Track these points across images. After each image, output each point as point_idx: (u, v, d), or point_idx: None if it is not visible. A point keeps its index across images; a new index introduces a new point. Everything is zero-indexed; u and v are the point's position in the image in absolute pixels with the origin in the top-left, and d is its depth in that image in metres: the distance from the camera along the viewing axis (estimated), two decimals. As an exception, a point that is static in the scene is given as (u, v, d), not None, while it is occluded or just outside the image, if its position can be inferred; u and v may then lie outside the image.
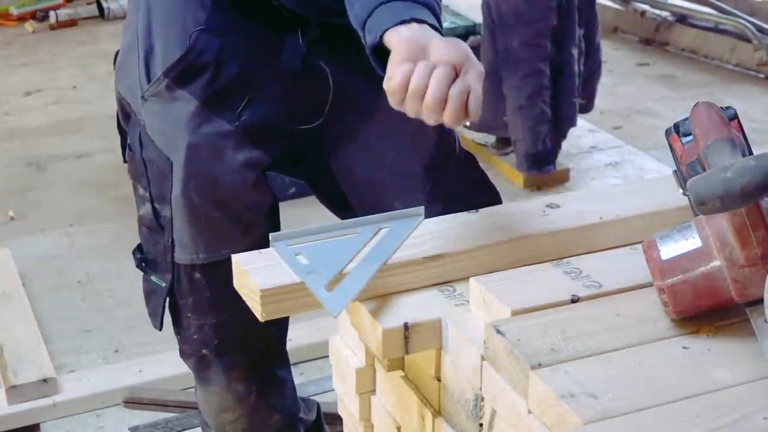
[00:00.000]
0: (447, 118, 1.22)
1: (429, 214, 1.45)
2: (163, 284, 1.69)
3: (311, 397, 2.15)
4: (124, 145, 1.71)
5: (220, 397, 1.78)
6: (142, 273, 1.77)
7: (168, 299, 1.71)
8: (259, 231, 1.63)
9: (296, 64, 1.60)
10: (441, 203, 1.63)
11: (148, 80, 1.59)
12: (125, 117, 1.69)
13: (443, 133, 1.71)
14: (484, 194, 1.76)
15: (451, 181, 1.73)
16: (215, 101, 1.58)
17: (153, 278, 1.72)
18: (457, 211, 1.49)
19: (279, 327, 1.78)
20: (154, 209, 1.67)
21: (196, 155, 1.58)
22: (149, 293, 1.75)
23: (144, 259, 1.75)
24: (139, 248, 1.76)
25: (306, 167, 1.74)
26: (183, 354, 1.80)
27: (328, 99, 1.63)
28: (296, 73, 1.61)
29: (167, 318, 1.75)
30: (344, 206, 1.75)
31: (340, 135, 1.68)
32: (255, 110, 1.59)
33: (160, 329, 1.74)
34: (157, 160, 1.62)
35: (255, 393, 1.78)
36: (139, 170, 1.67)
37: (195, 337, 1.72)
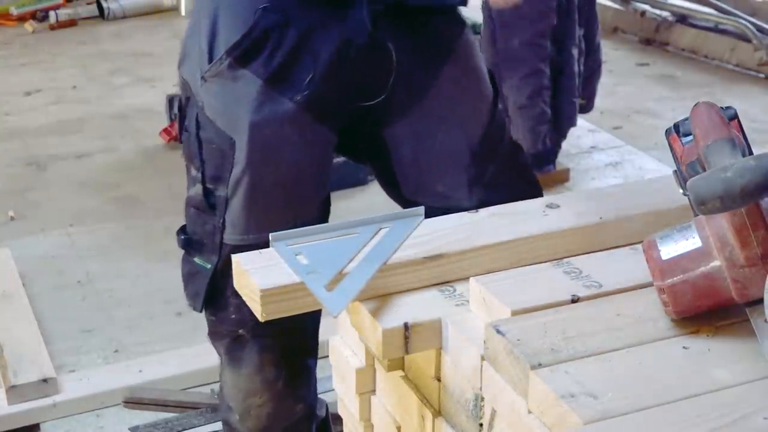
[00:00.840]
0: None
1: (470, 200, 1.50)
2: (208, 266, 1.70)
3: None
4: (181, 126, 1.74)
5: (250, 380, 1.78)
6: (183, 254, 1.78)
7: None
8: (311, 215, 1.66)
9: (361, 40, 1.61)
10: (482, 189, 1.66)
11: (210, 61, 1.61)
12: (186, 99, 1.71)
13: (494, 120, 1.74)
14: (524, 184, 1.77)
15: (496, 169, 1.74)
16: (278, 79, 1.59)
17: (196, 259, 1.73)
18: (498, 199, 1.53)
19: (314, 317, 1.79)
20: (205, 189, 1.67)
21: (260, 134, 1.60)
22: (190, 275, 1.76)
23: (188, 240, 1.75)
24: (182, 229, 1.77)
25: (359, 145, 1.76)
26: (215, 335, 1.79)
27: (390, 77, 1.64)
28: (360, 50, 1.61)
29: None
30: (393, 184, 1.77)
31: (394, 113, 1.69)
32: (318, 88, 1.60)
33: (201, 311, 1.75)
34: (216, 140, 1.64)
35: (283, 379, 1.78)
36: (193, 151, 1.69)
37: (233, 317, 1.72)
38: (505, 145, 1.79)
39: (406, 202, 1.74)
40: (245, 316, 1.68)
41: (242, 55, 1.59)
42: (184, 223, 1.76)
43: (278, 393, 1.80)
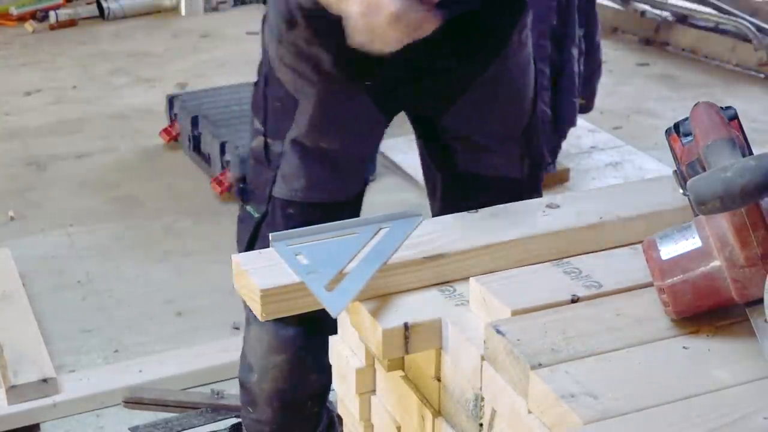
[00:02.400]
0: None
1: (521, 171, 1.76)
2: (256, 215, 1.80)
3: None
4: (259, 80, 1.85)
5: (273, 336, 1.85)
6: (239, 203, 1.89)
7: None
8: (353, 191, 1.79)
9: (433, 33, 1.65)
10: (529, 161, 1.82)
11: (289, 28, 1.68)
12: (264, 54, 1.80)
13: (536, 96, 1.83)
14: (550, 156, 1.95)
15: (538, 143, 1.87)
16: (349, 59, 1.62)
17: (248, 207, 1.84)
18: (539, 171, 1.78)
19: None
20: (265, 143, 1.77)
21: (325, 104, 1.69)
22: (241, 221, 1.87)
23: (244, 189, 1.87)
24: (242, 178, 1.89)
25: (414, 123, 1.86)
26: None
27: (454, 63, 1.70)
28: (428, 39, 1.60)
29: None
30: (446, 157, 1.83)
31: (455, 91, 1.74)
32: (385, 73, 1.66)
33: (242, 251, 1.80)
34: (283, 98, 1.73)
35: (302, 342, 1.85)
36: (259, 105, 1.81)
37: None
38: (540, 120, 1.92)
39: (454, 176, 1.83)
40: None
41: (320, 29, 1.64)
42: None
43: (296, 355, 1.86)
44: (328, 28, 1.60)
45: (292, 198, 1.74)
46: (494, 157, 1.79)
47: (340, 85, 1.68)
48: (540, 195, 1.83)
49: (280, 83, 1.73)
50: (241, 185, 1.89)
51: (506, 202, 1.60)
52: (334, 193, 1.76)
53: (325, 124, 1.72)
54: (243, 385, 1.95)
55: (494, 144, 1.79)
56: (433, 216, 1.83)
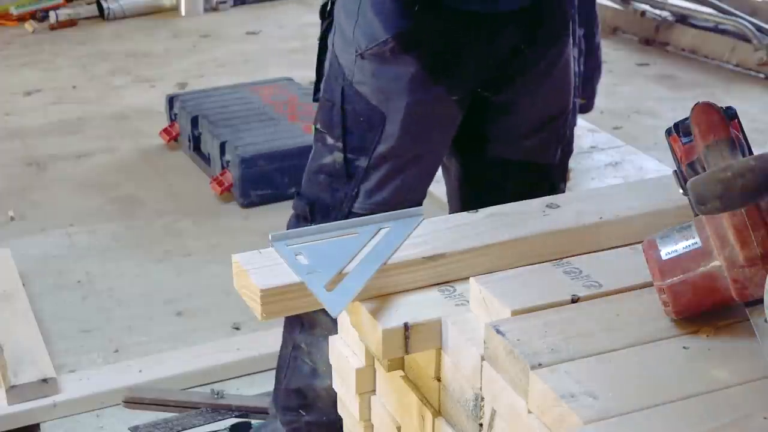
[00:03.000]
0: None
1: (555, 157, 1.85)
2: None
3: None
4: (316, 89, 1.88)
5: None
6: (292, 216, 1.89)
7: None
8: (426, 191, 1.84)
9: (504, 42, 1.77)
10: (561, 149, 1.91)
11: (371, 41, 1.71)
12: (331, 72, 1.81)
13: (575, 90, 1.93)
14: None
15: (568, 134, 1.96)
16: (436, 68, 1.72)
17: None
18: (566, 161, 1.90)
19: None
20: (345, 158, 1.75)
21: (414, 114, 1.74)
22: None
23: (311, 206, 1.84)
24: (302, 196, 1.87)
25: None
26: None
27: (517, 61, 1.80)
28: (501, 45, 1.78)
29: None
30: (479, 144, 1.89)
31: (507, 84, 1.82)
32: (465, 79, 1.76)
33: None
34: (366, 113, 1.75)
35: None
36: (334, 121, 1.79)
37: None
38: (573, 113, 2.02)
39: (480, 164, 1.89)
40: None
41: (407, 42, 1.70)
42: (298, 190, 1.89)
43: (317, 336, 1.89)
44: (419, 39, 1.69)
45: (373, 211, 1.74)
46: (529, 142, 1.86)
47: (426, 89, 1.72)
48: (566, 183, 1.96)
49: (362, 97, 1.75)
50: (304, 202, 1.86)
51: (535, 189, 1.74)
52: (421, 195, 1.82)
53: (419, 131, 1.76)
54: (301, 391, 1.96)
55: (534, 130, 1.85)
56: (451, 211, 1.86)
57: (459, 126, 1.85)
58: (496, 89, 1.83)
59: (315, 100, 1.90)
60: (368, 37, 1.71)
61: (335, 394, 1.91)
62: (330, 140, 1.80)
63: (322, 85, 1.84)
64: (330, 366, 1.88)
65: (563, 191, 1.98)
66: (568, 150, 1.95)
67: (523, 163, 1.88)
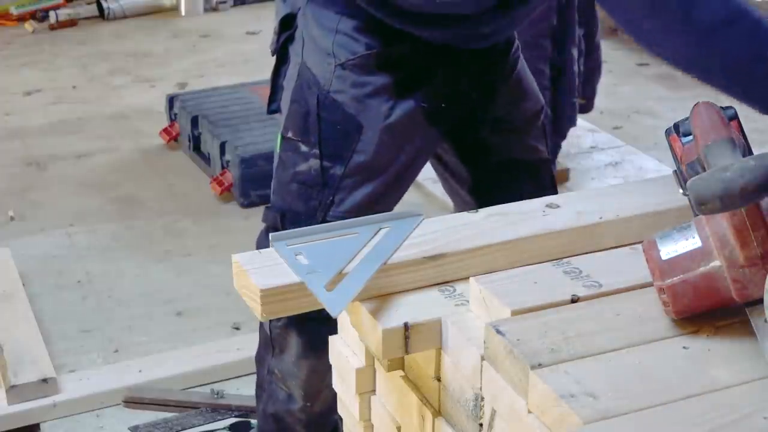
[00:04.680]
0: None
1: (547, 148, 1.95)
2: None
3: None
4: (272, 99, 1.89)
5: (319, 361, 1.84)
6: (263, 229, 1.88)
7: None
8: (395, 203, 1.87)
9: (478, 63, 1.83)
10: (548, 140, 2.01)
11: (351, 52, 1.73)
12: (304, 81, 1.79)
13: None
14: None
15: (546, 129, 2.03)
16: (412, 84, 1.75)
17: None
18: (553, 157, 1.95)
19: None
20: (322, 166, 1.78)
21: (391, 127, 1.75)
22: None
23: (282, 215, 1.84)
24: (272, 207, 1.87)
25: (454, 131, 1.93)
26: (299, 320, 1.86)
27: (498, 79, 1.88)
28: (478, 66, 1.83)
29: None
30: (479, 152, 1.93)
31: (490, 99, 1.88)
32: (442, 97, 1.79)
33: None
34: (342, 121, 1.75)
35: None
36: (310, 128, 1.78)
37: None
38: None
39: (490, 169, 1.93)
40: None
41: (387, 58, 1.73)
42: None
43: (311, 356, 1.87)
44: (399, 55, 1.72)
45: (344, 219, 1.71)
46: (526, 137, 1.92)
47: (404, 107, 1.74)
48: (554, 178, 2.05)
49: (339, 105, 1.75)
50: (274, 212, 1.84)
51: (542, 185, 1.83)
52: (392, 204, 1.84)
53: (395, 143, 1.77)
54: (277, 417, 1.96)
55: (525, 124, 1.92)
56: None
57: (457, 138, 1.88)
58: (480, 100, 1.86)
59: (271, 112, 1.91)
60: (348, 50, 1.73)
61: (315, 413, 1.92)
62: (304, 148, 1.78)
63: (287, 95, 1.82)
64: (307, 387, 1.89)
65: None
66: (552, 144, 2.06)
67: (527, 161, 1.94)
